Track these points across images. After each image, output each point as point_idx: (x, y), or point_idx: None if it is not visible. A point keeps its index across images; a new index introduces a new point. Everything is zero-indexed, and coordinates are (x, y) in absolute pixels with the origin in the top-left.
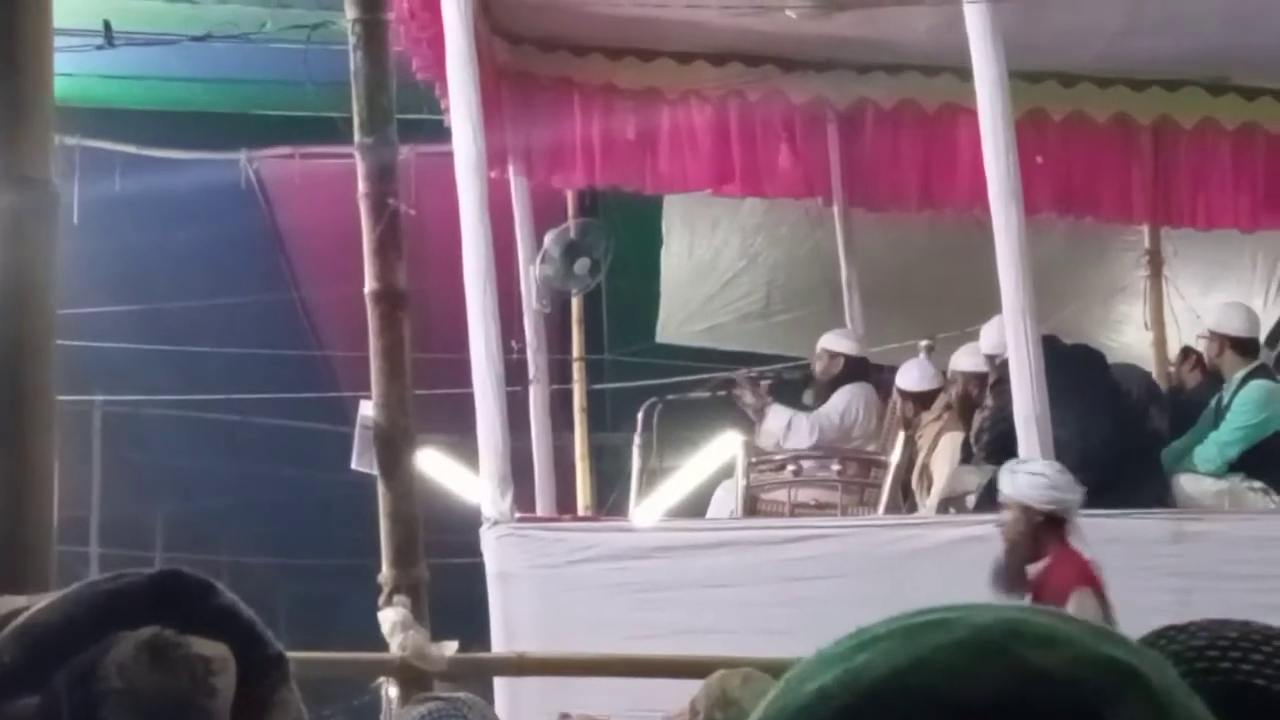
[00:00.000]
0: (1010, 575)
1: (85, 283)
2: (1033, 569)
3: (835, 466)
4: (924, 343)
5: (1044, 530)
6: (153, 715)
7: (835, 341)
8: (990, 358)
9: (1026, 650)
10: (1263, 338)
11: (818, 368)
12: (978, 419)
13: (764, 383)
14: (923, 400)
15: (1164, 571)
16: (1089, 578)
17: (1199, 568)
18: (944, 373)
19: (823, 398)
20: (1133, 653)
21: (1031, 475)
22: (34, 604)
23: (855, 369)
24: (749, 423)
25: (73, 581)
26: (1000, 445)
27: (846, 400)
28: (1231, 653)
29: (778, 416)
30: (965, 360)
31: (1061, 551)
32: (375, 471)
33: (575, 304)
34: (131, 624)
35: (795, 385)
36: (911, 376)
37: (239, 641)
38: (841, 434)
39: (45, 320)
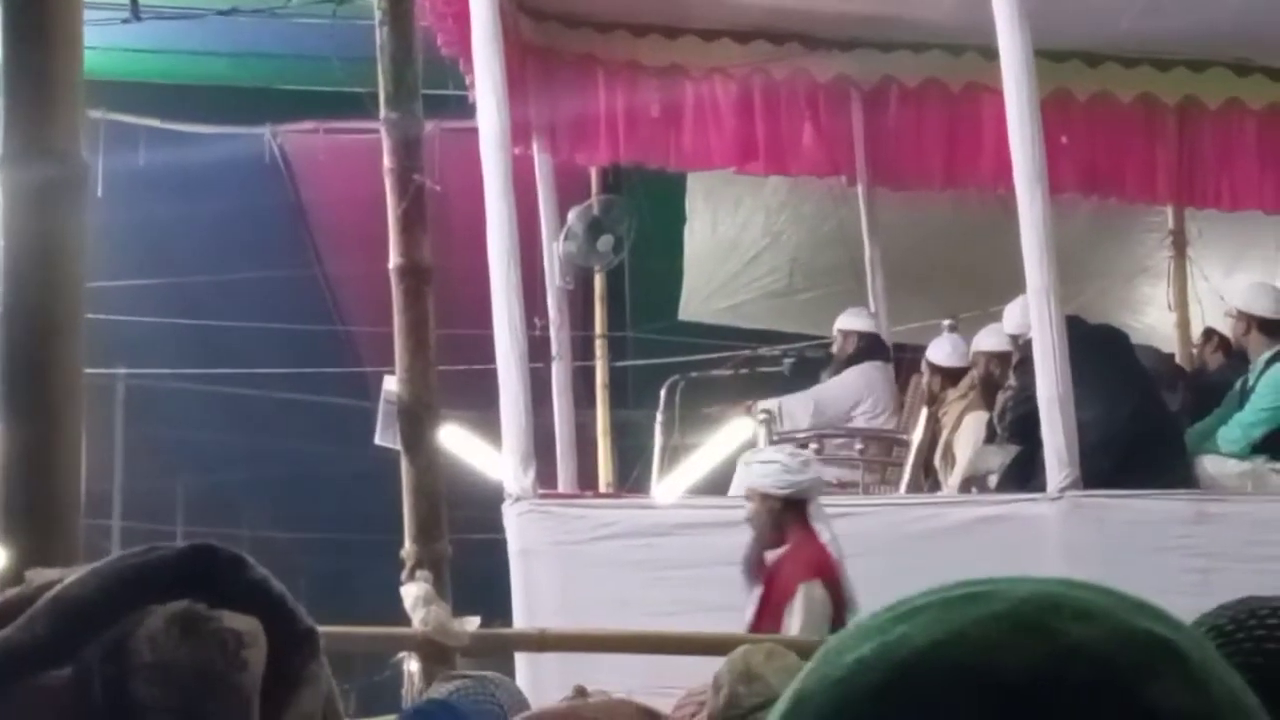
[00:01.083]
0: (753, 564)
1: (109, 256)
2: (771, 556)
3: (858, 445)
4: (946, 322)
5: (784, 516)
6: (183, 689)
7: (850, 320)
8: (1014, 337)
9: (1064, 624)
10: None
11: (835, 348)
12: (1001, 399)
13: (787, 361)
14: (951, 376)
15: (1186, 552)
16: (821, 568)
17: (1221, 549)
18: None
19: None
20: (1170, 627)
21: (764, 464)
22: (65, 577)
23: (871, 347)
24: (771, 398)
25: (97, 555)
26: (1023, 425)
27: (852, 377)
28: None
29: (767, 403)
30: (987, 340)
31: (800, 538)
32: (398, 446)
33: (598, 281)
34: (163, 598)
35: (817, 363)
36: (943, 351)
37: (269, 616)
38: (841, 410)
39: (74, 293)
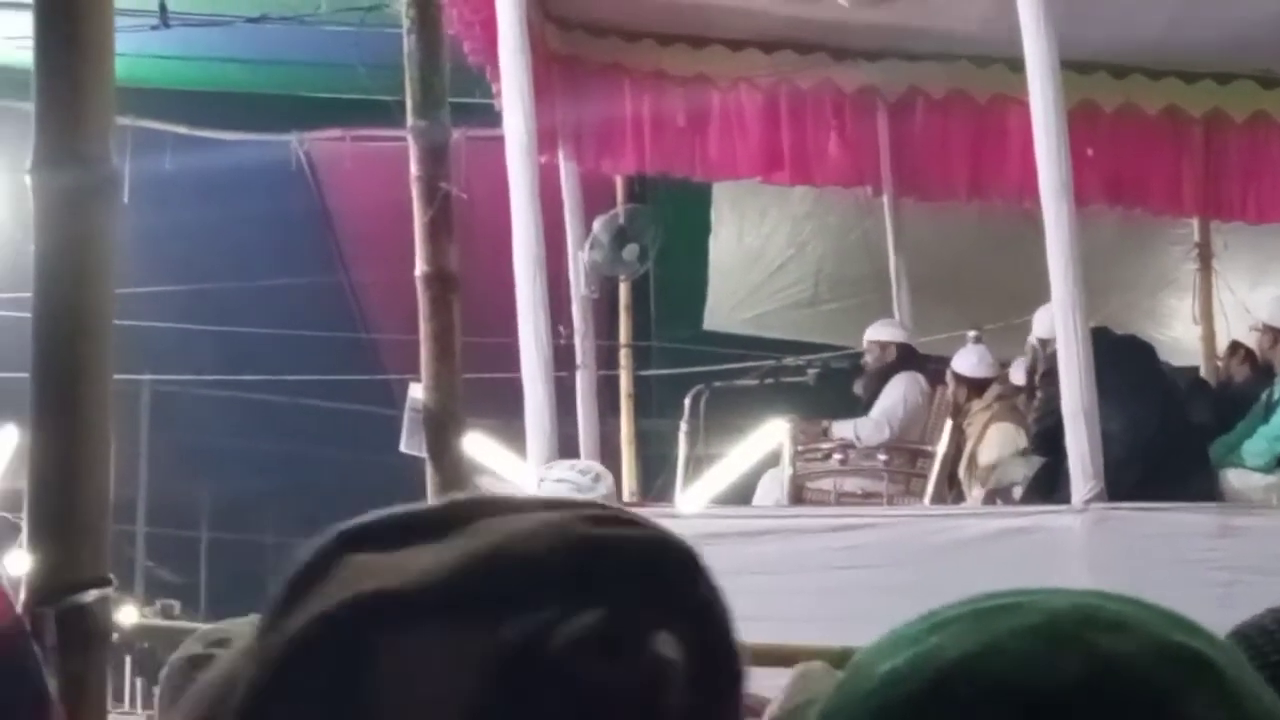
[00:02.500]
0: None
1: (134, 262)
2: None
3: (882, 456)
4: (972, 333)
5: None
6: (586, 713)
7: (886, 331)
8: (1043, 343)
9: (1098, 637)
10: None
11: (869, 359)
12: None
13: (812, 371)
14: (976, 387)
15: (1209, 565)
16: None
17: (1244, 562)
18: (1001, 363)
19: (874, 388)
20: (1205, 641)
21: (556, 482)
22: (509, 513)
23: (907, 357)
24: (796, 409)
25: (123, 563)
26: (1049, 438)
27: (904, 389)
28: None
29: (842, 430)
30: (962, 362)
31: None
32: (424, 454)
33: (623, 290)
34: (603, 585)
35: (843, 374)
36: (969, 362)
37: (703, 643)
38: (906, 424)
39: (104, 299)
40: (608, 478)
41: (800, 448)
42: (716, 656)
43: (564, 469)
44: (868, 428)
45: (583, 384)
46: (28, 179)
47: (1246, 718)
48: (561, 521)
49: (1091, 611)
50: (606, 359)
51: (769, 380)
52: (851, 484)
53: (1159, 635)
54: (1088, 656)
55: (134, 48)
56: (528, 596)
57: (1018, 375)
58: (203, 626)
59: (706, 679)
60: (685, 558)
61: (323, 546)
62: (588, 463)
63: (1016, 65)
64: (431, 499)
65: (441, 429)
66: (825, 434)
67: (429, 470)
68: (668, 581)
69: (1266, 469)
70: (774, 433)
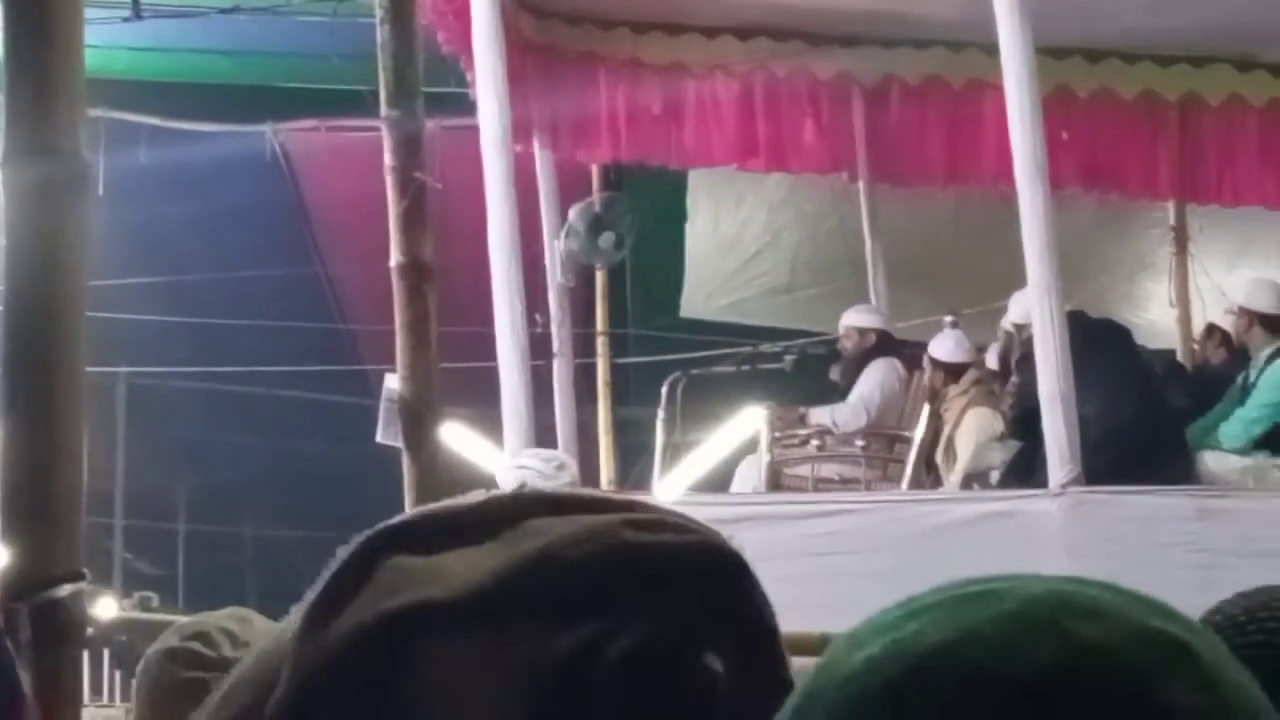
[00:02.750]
0: None
1: (110, 254)
2: None
3: (859, 441)
4: (948, 318)
5: None
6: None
7: (863, 318)
8: (1019, 328)
9: (1076, 623)
10: None
11: (847, 345)
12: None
13: (788, 358)
14: (953, 372)
15: (1187, 549)
16: None
17: (1222, 545)
18: (977, 348)
19: (851, 374)
20: (1183, 626)
21: (520, 469)
22: (556, 526)
23: (885, 343)
24: (773, 396)
25: (98, 555)
26: (1024, 422)
27: (881, 375)
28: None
29: (819, 417)
30: (939, 347)
31: None
32: (400, 444)
33: (599, 278)
34: (650, 595)
35: (820, 360)
36: (945, 347)
37: (752, 652)
38: (883, 409)
39: (76, 292)
40: (572, 466)
41: (778, 434)
42: (763, 666)
43: (529, 457)
44: (845, 413)
45: (559, 372)
46: None
47: (1224, 702)
48: (606, 526)
49: (1068, 598)
50: (583, 347)
51: (746, 367)
52: (829, 470)
53: (1136, 621)
54: (1064, 643)
55: (106, 39)
56: (573, 606)
57: (992, 361)
58: (181, 619)
59: (753, 689)
60: (733, 565)
61: (362, 546)
62: (552, 452)
63: (992, 51)
64: (471, 496)
65: (418, 419)
66: (802, 420)
67: (406, 460)
68: (716, 591)
69: (1243, 451)
70: (751, 419)
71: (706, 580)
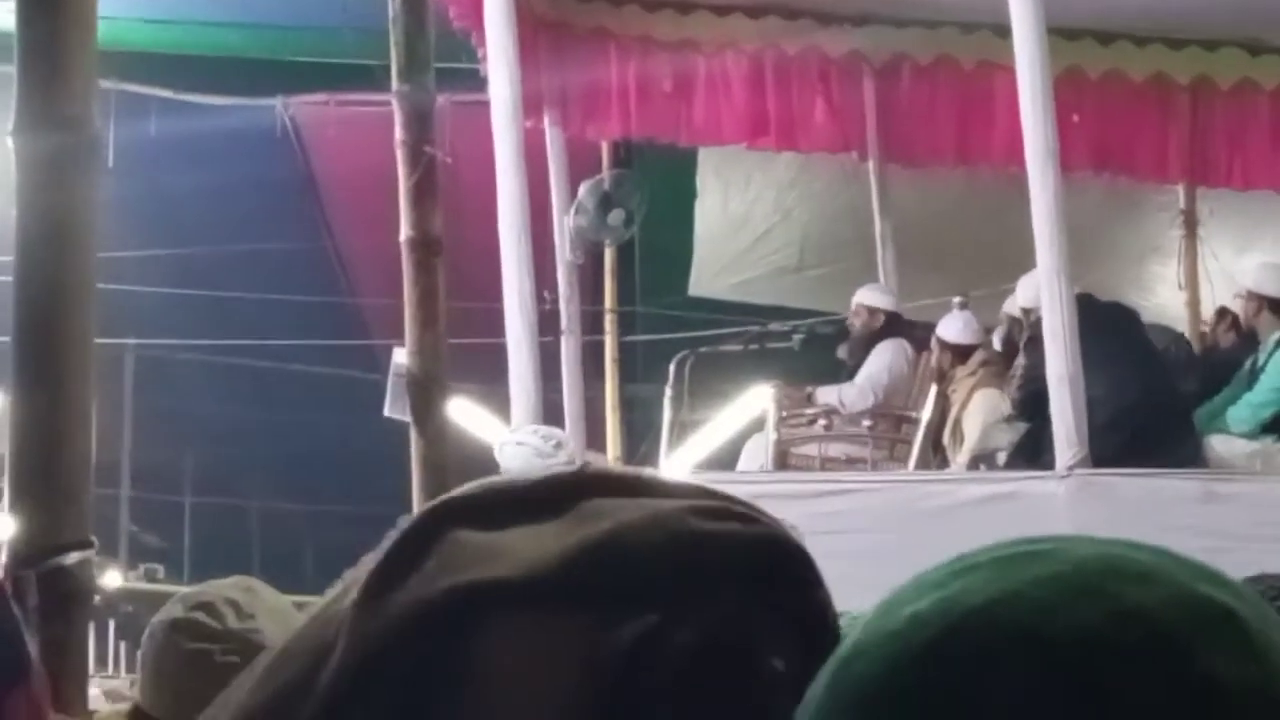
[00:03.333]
0: None
1: (119, 226)
2: None
3: (866, 422)
4: (957, 299)
5: None
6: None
7: (876, 297)
8: (1026, 311)
9: (1121, 587)
10: None
11: (857, 323)
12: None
13: (797, 336)
14: (961, 353)
15: (1194, 532)
16: None
17: (1229, 528)
18: (986, 329)
19: (859, 353)
20: (1231, 593)
21: (518, 445)
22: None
23: (895, 324)
24: (781, 375)
25: (106, 525)
26: (1033, 404)
27: (890, 356)
28: None
29: (826, 396)
30: (948, 328)
31: None
32: (408, 419)
33: (608, 255)
34: (715, 586)
35: (828, 339)
36: (954, 328)
37: (813, 646)
38: (890, 390)
39: (85, 262)
40: (569, 444)
41: (785, 413)
42: (823, 659)
43: (526, 433)
44: (851, 394)
45: (567, 349)
46: (9, 142)
47: (1269, 671)
48: (673, 514)
49: (1116, 561)
50: (591, 324)
51: (754, 346)
52: (836, 450)
53: (1183, 586)
54: (1110, 606)
55: (118, 11)
56: (638, 594)
57: (998, 344)
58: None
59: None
60: (797, 558)
61: (424, 519)
62: (550, 429)
63: (1003, 31)
64: (533, 472)
65: (426, 393)
66: (809, 400)
67: (413, 434)
68: (779, 585)
69: (1250, 435)
70: (759, 398)
71: (771, 575)
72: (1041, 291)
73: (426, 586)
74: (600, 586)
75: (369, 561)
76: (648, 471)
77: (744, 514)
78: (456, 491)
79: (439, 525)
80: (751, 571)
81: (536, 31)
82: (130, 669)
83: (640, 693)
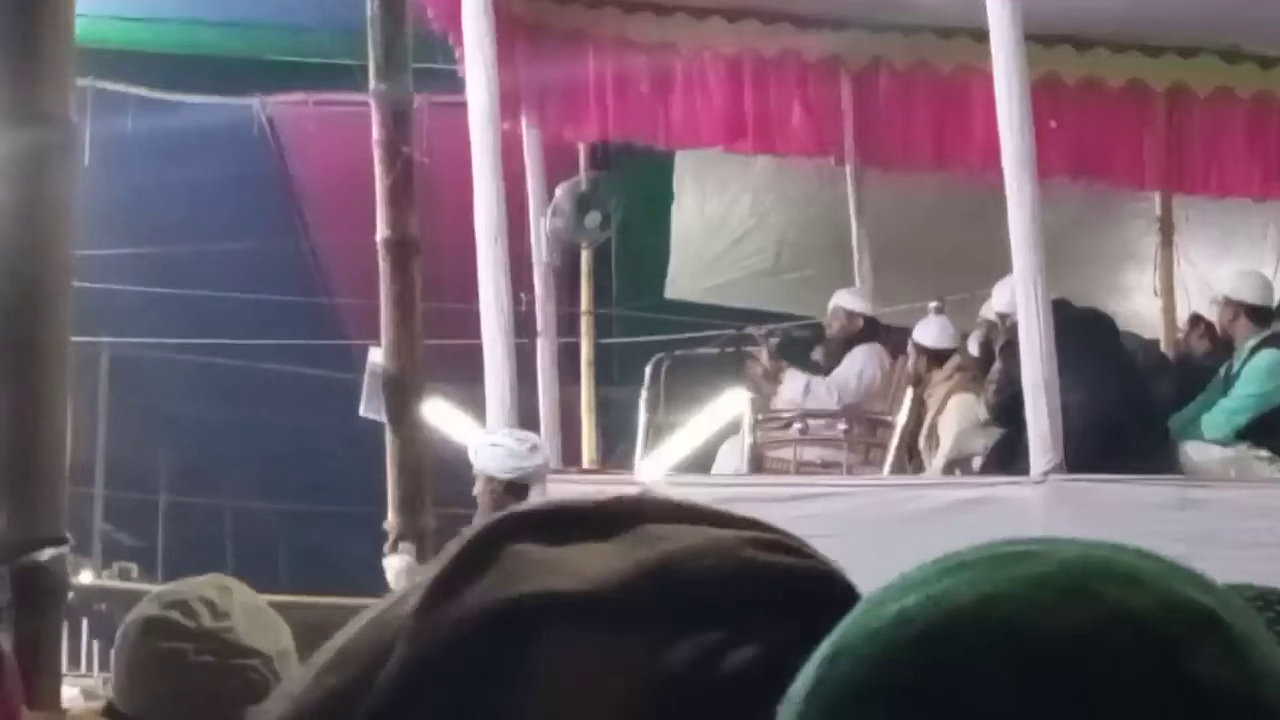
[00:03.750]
0: None
1: (94, 224)
2: None
3: (841, 425)
4: (933, 304)
5: (506, 499)
6: None
7: (852, 301)
8: (1002, 317)
9: (1106, 588)
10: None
11: (834, 326)
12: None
13: (772, 340)
14: (937, 358)
15: (1168, 538)
16: None
17: (1203, 535)
18: (962, 334)
19: (836, 357)
20: (1216, 597)
21: (492, 447)
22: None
23: (871, 329)
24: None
25: (79, 524)
26: (1008, 409)
27: (863, 360)
28: None
29: (794, 381)
30: (924, 333)
31: None
32: (383, 419)
33: (585, 257)
34: (769, 616)
35: (804, 343)
36: (930, 333)
37: None
38: (859, 394)
39: (61, 261)
40: (544, 448)
41: (760, 416)
42: None
43: (502, 435)
44: (819, 387)
45: (543, 351)
46: None
47: (1252, 674)
48: (730, 543)
49: (1103, 563)
50: (568, 326)
51: (730, 349)
52: (811, 453)
53: (1168, 589)
54: (1093, 607)
55: (95, 8)
56: (694, 617)
57: (973, 348)
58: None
59: None
60: (849, 596)
61: (487, 530)
62: (525, 432)
63: (980, 36)
64: (595, 494)
65: (401, 394)
66: (779, 375)
67: (388, 434)
68: (833, 618)
69: (1225, 442)
70: (734, 401)
71: (822, 609)
72: (1017, 297)
73: (487, 595)
74: (661, 606)
75: (430, 569)
76: (704, 504)
77: (797, 548)
78: (520, 507)
79: (501, 538)
80: (805, 604)
81: (514, 32)
82: (104, 668)
83: (698, 714)
